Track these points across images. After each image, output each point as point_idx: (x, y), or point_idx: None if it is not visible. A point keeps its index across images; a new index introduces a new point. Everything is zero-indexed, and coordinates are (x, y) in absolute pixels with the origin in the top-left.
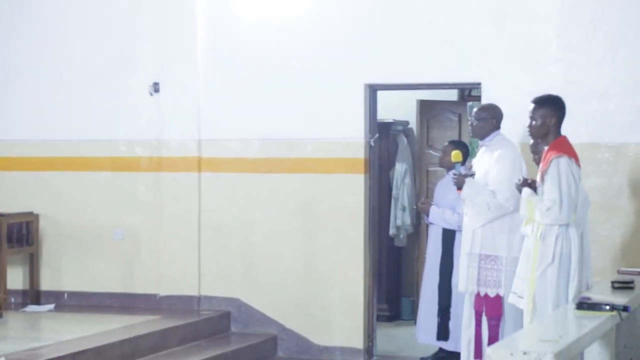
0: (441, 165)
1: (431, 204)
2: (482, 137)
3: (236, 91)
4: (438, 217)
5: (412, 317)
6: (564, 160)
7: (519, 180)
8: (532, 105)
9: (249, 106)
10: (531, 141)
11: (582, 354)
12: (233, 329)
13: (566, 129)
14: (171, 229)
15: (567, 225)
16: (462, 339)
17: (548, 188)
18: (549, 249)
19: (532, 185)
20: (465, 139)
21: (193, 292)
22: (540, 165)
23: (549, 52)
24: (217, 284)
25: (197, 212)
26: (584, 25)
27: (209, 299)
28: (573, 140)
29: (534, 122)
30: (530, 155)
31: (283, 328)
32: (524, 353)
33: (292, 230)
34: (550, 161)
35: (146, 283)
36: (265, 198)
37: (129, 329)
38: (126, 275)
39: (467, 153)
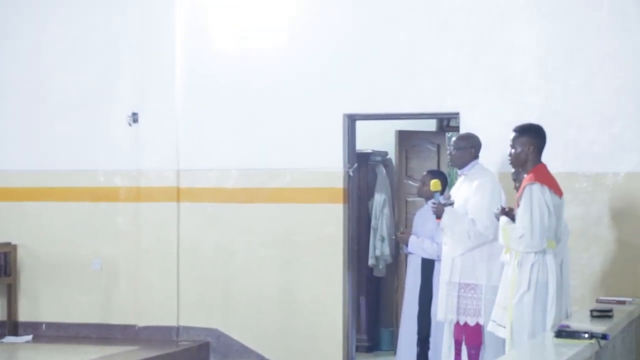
0: (420, 195)
1: (410, 234)
2: (461, 167)
3: (215, 121)
4: (417, 247)
5: (391, 348)
6: (536, 187)
7: (498, 209)
8: (513, 134)
9: (228, 136)
10: (512, 170)
11: None
12: (212, 359)
13: (544, 158)
14: (150, 259)
15: (544, 253)
16: None
17: (520, 215)
18: (525, 277)
19: (510, 213)
20: (444, 169)
21: (172, 323)
22: (517, 193)
23: (527, 83)
24: (195, 314)
25: (175, 242)
26: (561, 56)
27: (188, 329)
28: (551, 169)
29: (513, 150)
30: (510, 184)
31: (262, 358)
32: None
33: (271, 260)
34: (524, 188)
35: (124, 313)
36: (244, 228)
37: (107, 359)
38: (104, 305)
39: (446, 182)
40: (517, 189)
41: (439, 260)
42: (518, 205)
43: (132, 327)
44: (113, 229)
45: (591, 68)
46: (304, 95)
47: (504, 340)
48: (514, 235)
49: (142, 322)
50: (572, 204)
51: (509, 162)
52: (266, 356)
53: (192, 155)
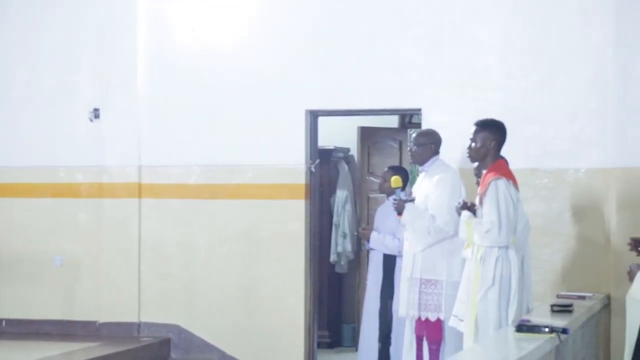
0: (381, 191)
1: (372, 230)
2: (422, 163)
3: (177, 117)
4: (378, 243)
5: (353, 344)
6: (502, 183)
7: (459, 203)
8: (474, 128)
9: (190, 132)
10: (473, 166)
11: None
12: (173, 355)
13: (506, 154)
14: (111, 255)
15: (507, 248)
16: None
17: (487, 210)
18: (489, 272)
19: (472, 208)
20: (406, 166)
21: (133, 319)
22: (479, 188)
23: (489, 79)
24: (157, 310)
25: (137, 239)
26: (524, 53)
27: (149, 325)
28: (512, 165)
29: (473, 144)
30: (471, 180)
31: (224, 354)
32: None
33: (233, 256)
34: (489, 184)
35: (86, 310)
36: (206, 224)
37: (68, 356)
38: (66, 302)
39: (407, 178)
40: (479, 184)
41: (401, 255)
42: (480, 200)
43: (93, 323)
44: (74, 225)
45: (553, 65)
46: (266, 91)
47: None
48: (480, 230)
49: (103, 319)
50: (534, 200)
51: (468, 155)
52: (227, 352)
53: (154, 152)
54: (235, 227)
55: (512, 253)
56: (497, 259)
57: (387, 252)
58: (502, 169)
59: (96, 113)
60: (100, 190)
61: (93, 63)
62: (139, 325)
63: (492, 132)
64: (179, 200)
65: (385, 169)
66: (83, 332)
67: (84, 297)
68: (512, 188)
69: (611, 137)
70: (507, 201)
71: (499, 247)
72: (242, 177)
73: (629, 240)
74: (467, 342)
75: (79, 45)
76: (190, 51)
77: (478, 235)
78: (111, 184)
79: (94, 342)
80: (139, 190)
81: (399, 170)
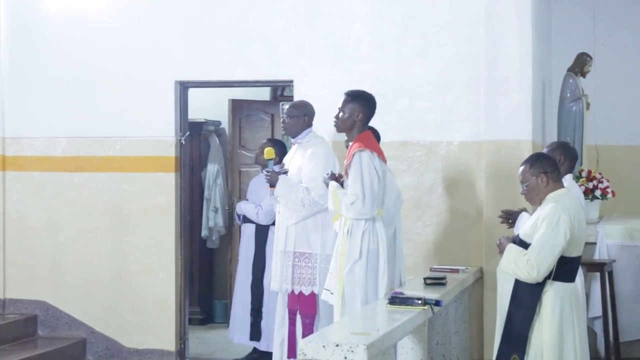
0: (257, 163)
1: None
2: (294, 135)
3: (42, 88)
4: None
5: (225, 320)
6: (365, 155)
7: (327, 174)
8: (343, 97)
9: (56, 103)
10: (345, 138)
11: (395, 351)
12: (40, 332)
13: (378, 127)
14: None
15: (374, 221)
16: (275, 338)
17: (351, 182)
18: (356, 245)
19: (339, 179)
20: (279, 138)
21: None
22: (345, 160)
23: (361, 51)
24: (23, 286)
25: (1, 213)
26: (396, 24)
27: (14, 302)
28: (384, 138)
29: (341, 114)
30: (343, 152)
31: (92, 331)
32: (337, 345)
33: (101, 231)
34: (353, 155)
35: None
36: (73, 197)
37: None
38: None
39: (284, 152)
40: None
41: (263, 224)
42: (346, 172)
43: None
44: None
45: (425, 37)
46: (134, 61)
47: None
48: (345, 202)
49: None
50: (406, 173)
51: (334, 124)
52: (96, 329)
53: (18, 123)
54: (103, 200)
55: (379, 226)
56: (364, 232)
57: (250, 217)
58: (367, 140)
59: None
60: None
61: None
62: (3, 302)
63: (360, 104)
64: (44, 173)
65: (264, 141)
66: None
67: None
68: (376, 160)
69: (483, 110)
70: (371, 173)
71: (366, 220)
72: (110, 150)
73: (500, 213)
74: (336, 316)
75: None
76: (56, 18)
77: (344, 206)
78: None
79: None
80: (2, 163)
81: (275, 143)
